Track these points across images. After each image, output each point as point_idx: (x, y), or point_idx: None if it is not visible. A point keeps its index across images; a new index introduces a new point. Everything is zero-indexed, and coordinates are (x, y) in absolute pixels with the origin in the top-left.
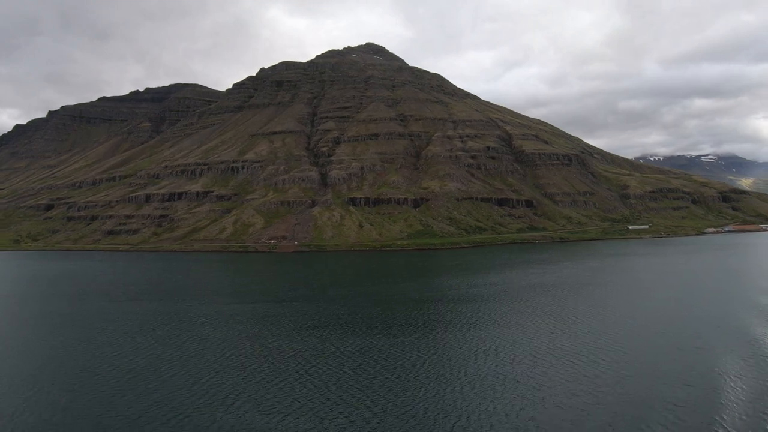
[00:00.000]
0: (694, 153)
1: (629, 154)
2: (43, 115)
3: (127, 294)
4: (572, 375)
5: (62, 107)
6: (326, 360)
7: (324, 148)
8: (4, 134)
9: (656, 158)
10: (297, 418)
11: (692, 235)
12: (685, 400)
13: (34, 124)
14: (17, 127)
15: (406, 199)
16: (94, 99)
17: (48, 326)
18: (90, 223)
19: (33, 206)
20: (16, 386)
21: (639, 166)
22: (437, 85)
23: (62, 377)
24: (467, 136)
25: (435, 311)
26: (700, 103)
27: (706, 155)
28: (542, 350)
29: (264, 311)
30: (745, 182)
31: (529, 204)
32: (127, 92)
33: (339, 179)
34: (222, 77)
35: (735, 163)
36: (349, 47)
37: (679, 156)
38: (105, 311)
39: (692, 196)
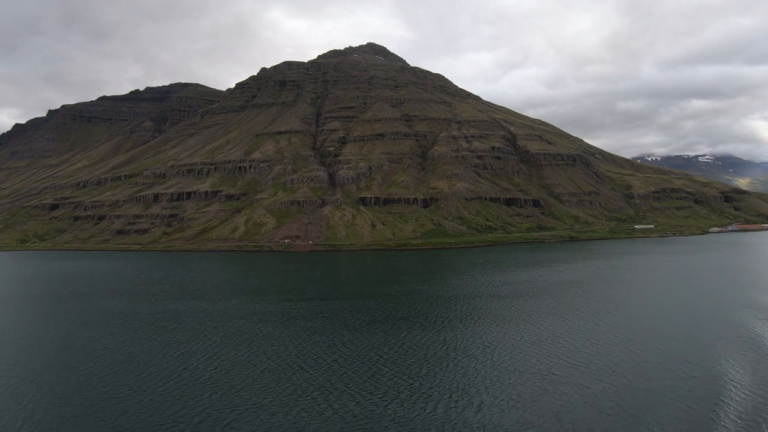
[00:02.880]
0: (691, 153)
1: (626, 155)
2: (42, 114)
3: (171, 293)
4: (638, 362)
5: (62, 106)
6: (400, 353)
7: (330, 148)
8: (3, 134)
9: (653, 158)
10: (393, 406)
11: (697, 234)
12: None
13: (34, 123)
14: (17, 126)
15: (415, 198)
16: (92, 98)
17: (110, 325)
18: (98, 223)
19: (37, 206)
20: (104, 382)
21: (640, 166)
22: (440, 85)
23: (161, 372)
24: (472, 136)
25: (482, 306)
26: (696, 104)
27: (703, 155)
28: (600, 340)
29: (316, 308)
30: (742, 182)
31: (536, 204)
32: (126, 92)
33: (348, 179)
34: (222, 78)
35: (732, 164)
36: (350, 47)
37: (676, 156)
38: (164, 310)
39: (694, 196)
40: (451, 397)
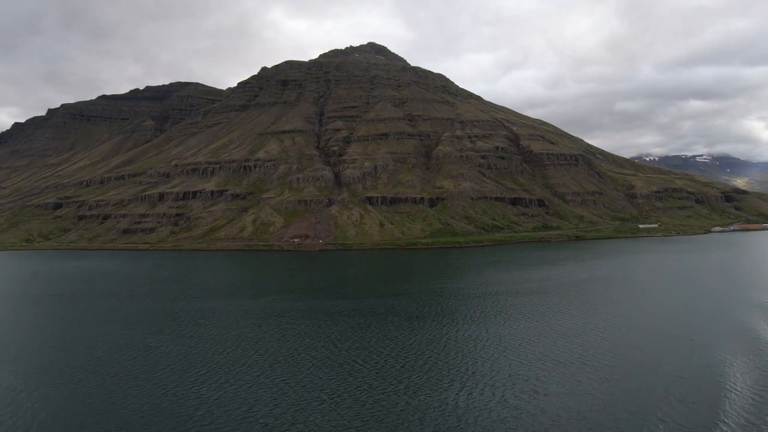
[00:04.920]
0: (689, 153)
1: (625, 154)
2: (41, 113)
3: (198, 292)
4: (685, 354)
5: (62, 105)
6: (449, 347)
7: (334, 148)
8: (2, 132)
9: (651, 158)
10: (463, 395)
11: (700, 233)
12: None
13: (34, 122)
14: (16, 125)
15: (422, 198)
16: (91, 97)
17: (154, 324)
18: (103, 222)
19: (40, 205)
20: (160, 379)
21: (640, 166)
22: (441, 85)
23: (221, 374)
24: (475, 136)
25: (511, 303)
26: (694, 104)
27: (700, 155)
28: (637, 334)
29: (350, 306)
30: (740, 182)
31: (540, 203)
32: (126, 91)
33: (353, 178)
34: (222, 78)
35: (729, 163)
36: (351, 47)
37: (674, 156)
38: (200, 308)
39: (696, 196)
40: (515, 385)
